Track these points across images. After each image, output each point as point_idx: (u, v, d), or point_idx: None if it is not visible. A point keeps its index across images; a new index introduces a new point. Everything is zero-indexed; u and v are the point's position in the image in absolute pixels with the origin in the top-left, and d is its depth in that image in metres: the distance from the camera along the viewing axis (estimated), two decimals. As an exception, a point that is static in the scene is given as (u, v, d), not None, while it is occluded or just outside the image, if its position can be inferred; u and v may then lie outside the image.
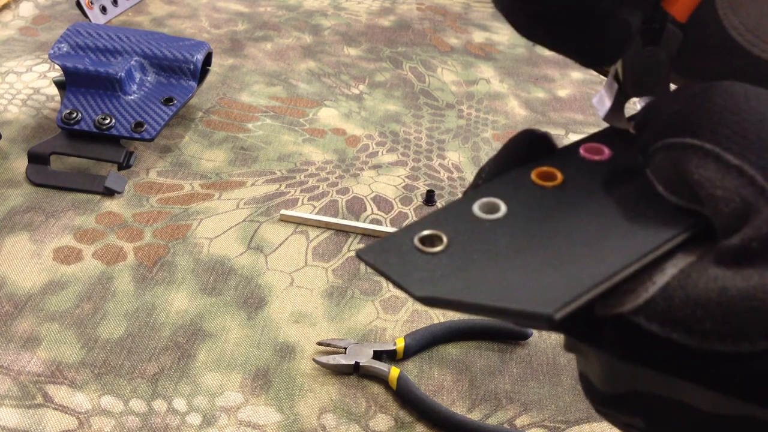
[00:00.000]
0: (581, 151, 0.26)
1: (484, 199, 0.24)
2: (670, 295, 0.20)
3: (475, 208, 0.24)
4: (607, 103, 0.29)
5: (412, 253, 0.23)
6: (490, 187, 0.25)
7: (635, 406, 0.24)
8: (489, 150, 0.72)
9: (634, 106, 0.30)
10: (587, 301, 0.20)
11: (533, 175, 0.25)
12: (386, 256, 0.23)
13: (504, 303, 0.20)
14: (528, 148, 0.27)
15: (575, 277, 0.20)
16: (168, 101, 0.66)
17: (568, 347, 0.26)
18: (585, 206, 0.24)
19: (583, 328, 0.23)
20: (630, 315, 0.21)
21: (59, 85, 0.66)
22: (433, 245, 0.23)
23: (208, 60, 0.73)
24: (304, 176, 0.66)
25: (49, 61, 0.80)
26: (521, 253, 0.22)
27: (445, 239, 0.23)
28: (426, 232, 0.23)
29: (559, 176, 0.25)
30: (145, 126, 0.63)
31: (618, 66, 0.29)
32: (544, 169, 0.25)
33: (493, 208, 0.24)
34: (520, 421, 0.46)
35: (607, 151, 0.26)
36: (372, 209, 0.63)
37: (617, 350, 0.22)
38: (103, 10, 0.88)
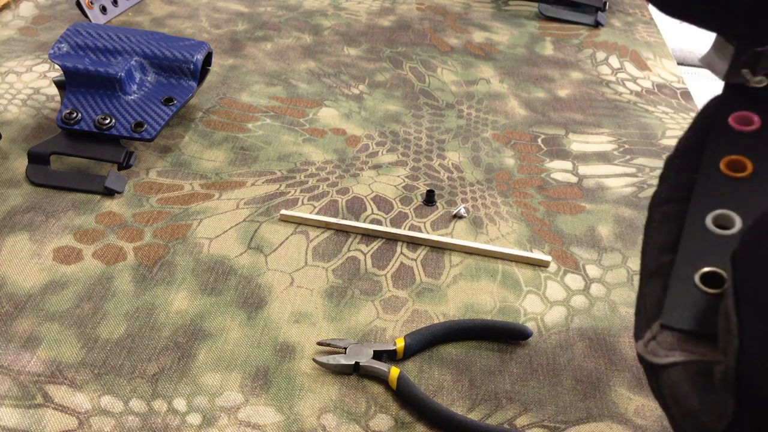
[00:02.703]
0: (732, 123, 0.27)
1: (711, 215, 0.25)
2: None
3: (711, 225, 0.25)
4: (724, 63, 0.30)
5: (704, 299, 0.23)
6: (702, 200, 0.26)
7: None
8: (489, 150, 0.72)
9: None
10: None
11: (724, 168, 0.26)
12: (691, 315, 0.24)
13: None
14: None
15: None
16: (168, 101, 0.66)
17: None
18: None
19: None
20: None
21: (59, 85, 0.66)
22: (715, 286, 0.24)
23: (208, 60, 0.73)
24: (304, 176, 0.66)
25: (49, 61, 0.80)
26: None
27: (725, 274, 0.23)
28: (705, 270, 0.24)
29: (749, 165, 0.26)
30: (145, 126, 0.63)
31: None
32: (733, 158, 0.26)
33: (727, 221, 0.25)
34: (520, 421, 0.46)
35: (756, 119, 0.27)
36: (372, 209, 0.63)
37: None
38: (103, 10, 0.88)
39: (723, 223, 0.26)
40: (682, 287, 0.24)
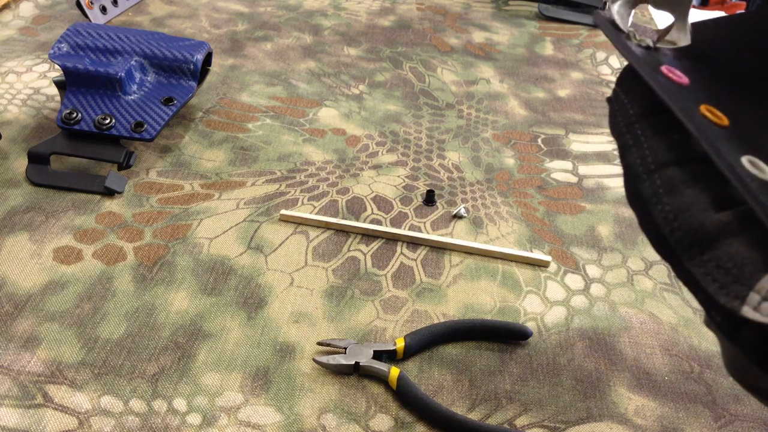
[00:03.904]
0: (666, 72, 0.28)
1: (745, 157, 0.25)
2: None
3: (748, 166, 0.25)
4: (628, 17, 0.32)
5: None
6: (723, 150, 0.26)
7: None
8: (489, 150, 0.72)
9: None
10: None
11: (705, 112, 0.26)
12: None
13: None
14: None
15: None
16: (168, 101, 0.66)
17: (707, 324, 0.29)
18: None
19: (728, 322, 0.25)
20: None
21: (59, 85, 0.66)
22: None
23: (208, 60, 0.73)
24: (304, 176, 0.66)
25: (49, 61, 0.80)
26: None
27: None
28: None
29: (719, 113, 0.26)
30: (145, 126, 0.63)
31: None
32: (706, 107, 0.26)
33: (756, 166, 0.25)
34: (520, 421, 0.46)
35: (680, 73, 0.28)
36: (372, 209, 0.63)
37: (750, 352, 0.24)
38: (103, 10, 0.88)
39: (755, 168, 0.25)
40: None
